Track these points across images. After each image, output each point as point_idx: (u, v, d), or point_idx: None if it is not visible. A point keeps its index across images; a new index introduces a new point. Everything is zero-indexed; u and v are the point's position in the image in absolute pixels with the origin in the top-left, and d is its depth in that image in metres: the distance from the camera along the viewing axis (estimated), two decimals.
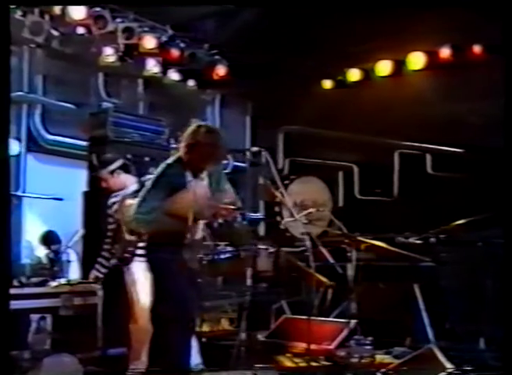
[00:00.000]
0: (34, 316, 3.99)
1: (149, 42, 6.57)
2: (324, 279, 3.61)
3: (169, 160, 3.66)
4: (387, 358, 4.76)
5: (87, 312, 4.27)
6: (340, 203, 8.13)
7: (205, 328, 5.70)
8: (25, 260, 6.12)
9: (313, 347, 4.56)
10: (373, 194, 7.90)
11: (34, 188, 6.25)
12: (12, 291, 3.98)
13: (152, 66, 6.88)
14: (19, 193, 5.44)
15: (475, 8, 5.69)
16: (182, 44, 6.95)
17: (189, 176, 3.62)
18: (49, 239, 5.92)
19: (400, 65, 7.49)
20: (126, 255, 3.99)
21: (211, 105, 8.03)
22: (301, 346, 4.62)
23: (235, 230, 6.01)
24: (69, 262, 5.47)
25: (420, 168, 7.36)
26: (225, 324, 5.98)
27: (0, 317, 2.82)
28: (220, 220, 3.64)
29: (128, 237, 3.59)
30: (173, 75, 7.15)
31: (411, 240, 4.57)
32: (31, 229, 6.33)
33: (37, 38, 5.97)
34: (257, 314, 5.92)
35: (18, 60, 6.36)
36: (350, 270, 4.36)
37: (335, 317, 5.19)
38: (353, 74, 7.85)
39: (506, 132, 3.10)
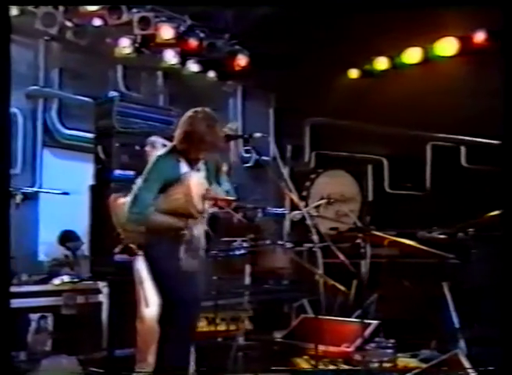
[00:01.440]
0: (34, 316, 3.83)
1: (166, 32, 6.38)
2: (328, 279, 3.31)
3: (162, 151, 3.42)
4: (413, 362, 4.46)
5: (91, 310, 4.09)
6: (369, 197, 7.84)
7: (223, 327, 5.51)
8: (42, 257, 6.02)
9: (331, 349, 4.32)
10: (404, 188, 7.60)
11: (51, 184, 6.12)
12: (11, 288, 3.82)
13: (170, 57, 6.69)
14: (24, 188, 5.28)
15: None
16: (201, 34, 6.74)
17: (184, 167, 3.38)
18: (67, 238, 5.78)
19: (429, 52, 7.12)
20: (131, 245, 3.75)
21: (232, 97, 7.79)
22: (319, 348, 4.35)
23: (254, 225, 5.80)
24: (86, 258, 5.32)
25: (454, 161, 7.01)
26: (245, 322, 5.79)
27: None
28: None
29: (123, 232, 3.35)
30: (192, 66, 6.93)
31: (435, 234, 4.25)
32: (48, 225, 6.21)
33: (50, 30, 5.84)
34: (277, 312, 5.73)
35: (34, 54, 6.27)
36: (365, 267, 4.07)
37: (356, 317, 4.90)
38: (381, 62, 7.51)
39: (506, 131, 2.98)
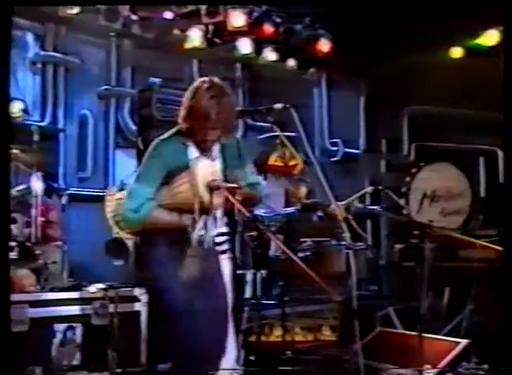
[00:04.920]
0: (60, 326, 3.50)
1: (237, 19, 5.93)
2: (330, 290, 2.63)
3: (164, 135, 2.90)
4: None
5: (128, 320, 3.70)
6: (482, 193, 6.94)
7: (300, 337, 4.98)
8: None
9: (408, 372, 3.61)
10: None
11: None
12: (35, 296, 3.54)
13: (245, 47, 6.23)
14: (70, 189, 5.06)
15: None
16: (277, 19, 6.21)
17: (193, 152, 2.83)
18: None
19: None
20: None
21: (316, 87, 7.18)
22: (394, 370, 3.66)
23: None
24: None
25: None
26: (326, 333, 5.21)
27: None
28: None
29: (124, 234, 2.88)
30: (269, 54, 6.42)
31: None
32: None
33: (114, 25, 5.62)
34: (359, 322, 5.06)
35: (105, 53, 6.12)
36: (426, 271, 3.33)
37: (446, 333, 4.12)
38: (491, 37, 6.51)
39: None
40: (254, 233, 2.75)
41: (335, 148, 7.05)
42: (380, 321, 4.92)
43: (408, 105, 7.27)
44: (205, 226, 2.74)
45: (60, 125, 5.83)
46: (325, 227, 4.93)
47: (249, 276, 3.92)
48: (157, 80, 4.39)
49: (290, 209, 5.50)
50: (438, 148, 7.14)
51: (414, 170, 6.92)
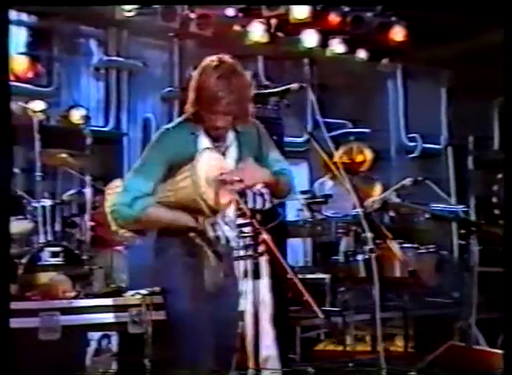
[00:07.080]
0: (95, 334, 3.32)
1: (299, 10, 5.62)
2: (316, 308, 2.16)
3: (171, 123, 2.58)
4: None
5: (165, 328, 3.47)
6: None
7: (369, 347, 4.61)
8: None
9: None
10: None
11: None
12: (66, 303, 3.40)
13: (310, 39, 5.90)
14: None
15: None
16: (345, 9, 5.83)
17: (204, 142, 2.43)
18: None
19: None
20: None
21: (391, 78, 6.68)
22: None
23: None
24: None
25: None
26: (398, 343, 4.80)
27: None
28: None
29: (122, 231, 2.60)
30: (337, 47, 6.03)
31: None
32: None
33: (171, 24, 5.50)
34: (435, 332, 4.60)
35: (168, 54, 6.05)
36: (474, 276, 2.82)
37: None
38: None
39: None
40: (251, 234, 2.38)
41: (413, 144, 6.55)
42: (460, 332, 4.39)
43: (497, 96, 6.57)
44: (216, 228, 2.41)
45: (124, 129, 5.81)
46: (396, 229, 4.51)
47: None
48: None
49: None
50: None
51: None
